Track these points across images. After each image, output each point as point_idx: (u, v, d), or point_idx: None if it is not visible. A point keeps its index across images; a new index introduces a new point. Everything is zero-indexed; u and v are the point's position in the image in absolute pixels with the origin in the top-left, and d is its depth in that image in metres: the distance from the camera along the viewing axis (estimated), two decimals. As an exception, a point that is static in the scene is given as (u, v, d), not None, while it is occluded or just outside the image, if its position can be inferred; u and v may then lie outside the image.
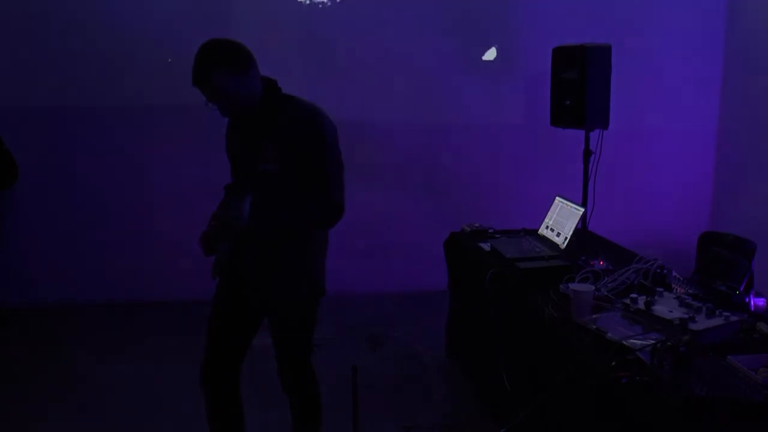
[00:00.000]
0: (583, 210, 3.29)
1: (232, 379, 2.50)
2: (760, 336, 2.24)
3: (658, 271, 2.74)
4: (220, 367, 2.46)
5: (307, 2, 4.76)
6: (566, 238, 3.22)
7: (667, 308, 2.36)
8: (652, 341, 2.06)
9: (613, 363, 2.03)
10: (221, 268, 2.40)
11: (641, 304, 2.40)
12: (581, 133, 3.82)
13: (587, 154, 3.81)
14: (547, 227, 3.45)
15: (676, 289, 2.63)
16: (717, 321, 2.24)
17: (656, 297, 2.48)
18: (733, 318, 2.27)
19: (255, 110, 2.27)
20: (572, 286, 2.56)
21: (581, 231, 3.56)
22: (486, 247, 3.41)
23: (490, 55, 4.83)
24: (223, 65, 2.12)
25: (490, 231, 3.71)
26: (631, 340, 2.14)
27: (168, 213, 4.85)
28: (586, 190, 3.81)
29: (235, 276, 2.42)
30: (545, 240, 3.39)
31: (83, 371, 3.81)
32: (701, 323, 2.22)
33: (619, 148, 4.36)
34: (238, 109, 2.26)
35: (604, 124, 3.70)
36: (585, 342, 2.25)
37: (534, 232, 3.54)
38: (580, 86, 3.64)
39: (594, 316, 2.42)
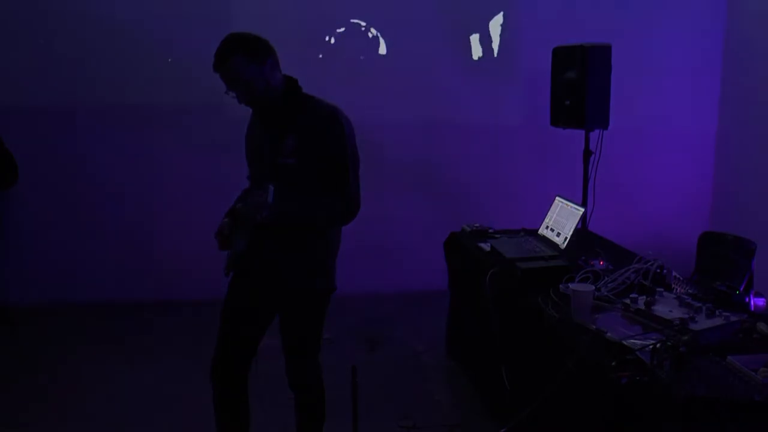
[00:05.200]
0: (583, 210, 3.29)
1: (242, 375, 2.54)
2: (760, 336, 2.23)
3: (658, 271, 2.74)
4: (230, 362, 2.50)
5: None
6: (566, 238, 3.22)
7: (667, 308, 2.36)
8: (652, 341, 2.06)
9: (613, 363, 2.03)
10: (235, 264, 2.42)
11: (641, 304, 2.40)
12: (581, 133, 3.82)
13: (587, 154, 3.81)
14: (547, 227, 3.45)
15: (676, 289, 2.63)
16: (717, 321, 2.24)
17: (656, 297, 2.47)
18: (733, 318, 2.26)
19: (276, 106, 2.35)
20: (572, 286, 2.56)
21: (581, 231, 3.55)
22: (486, 247, 3.41)
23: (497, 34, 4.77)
24: (240, 52, 2.25)
25: (490, 231, 3.71)
26: (631, 340, 2.14)
27: (168, 213, 4.85)
28: (586, 190, 3.81)
29: (248, 272, 2.44)
30: (545, 240, 3.38)
31: (83, 371, 3.81)
32: (701, 323, 2.21)
33: (619, 148, 4.35)
34: (257, 100, 2.33)
35: (604, 124, 3.70)
36: (585, 342, 2.25)
37: (534, 232, 3.54)
38: (580, 86, 3.64)
39: (594, 316, 2.42)
